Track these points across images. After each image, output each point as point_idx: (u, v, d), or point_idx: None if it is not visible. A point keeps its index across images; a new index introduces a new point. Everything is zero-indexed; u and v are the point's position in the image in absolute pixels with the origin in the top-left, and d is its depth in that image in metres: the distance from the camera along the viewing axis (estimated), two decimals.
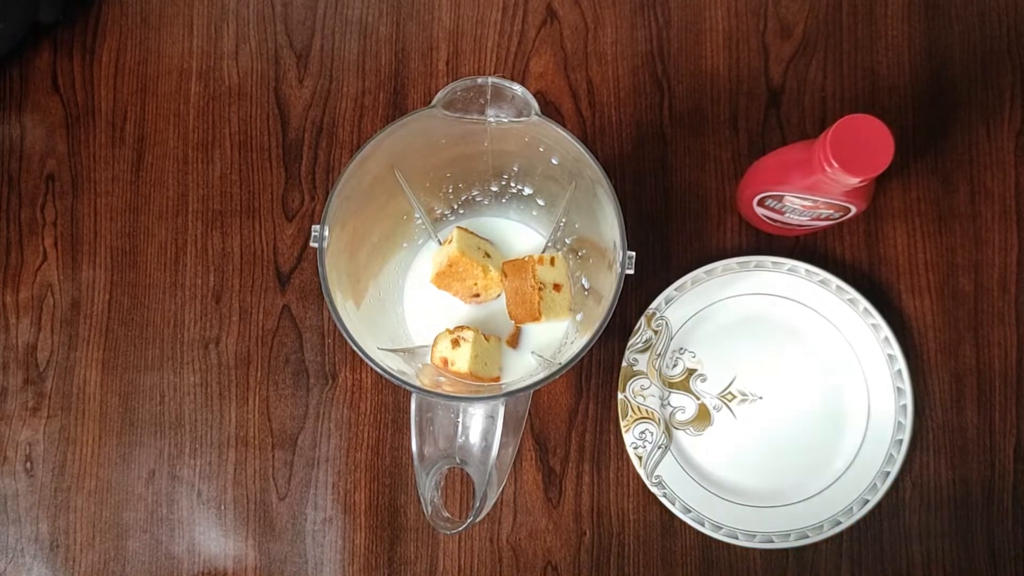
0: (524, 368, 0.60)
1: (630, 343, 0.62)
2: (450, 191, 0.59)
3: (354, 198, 0.50)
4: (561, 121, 0.66)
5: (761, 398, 0.63)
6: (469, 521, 0.48)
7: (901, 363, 0.60)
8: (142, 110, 0.68)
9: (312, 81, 0.68)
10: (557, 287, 0.57)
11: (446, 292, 0.60)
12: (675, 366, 0.63)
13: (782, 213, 0.58)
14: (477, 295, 0.60)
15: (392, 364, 0.48)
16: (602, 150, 0.66)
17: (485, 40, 0.67)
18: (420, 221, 0.60)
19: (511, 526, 0.63)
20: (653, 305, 0.62)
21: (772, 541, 0.59)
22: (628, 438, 0.61)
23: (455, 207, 0.61)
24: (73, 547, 0.64)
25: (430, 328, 0.59)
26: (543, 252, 0.61)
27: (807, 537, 0.60)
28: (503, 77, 0.49)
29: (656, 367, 0.63)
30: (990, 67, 0.65)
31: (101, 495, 0.65)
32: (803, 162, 0.52)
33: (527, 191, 0.59)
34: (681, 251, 0.64)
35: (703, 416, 0.63)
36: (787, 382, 0.63)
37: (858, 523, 0.60)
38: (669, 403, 0.63)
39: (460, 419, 0.50)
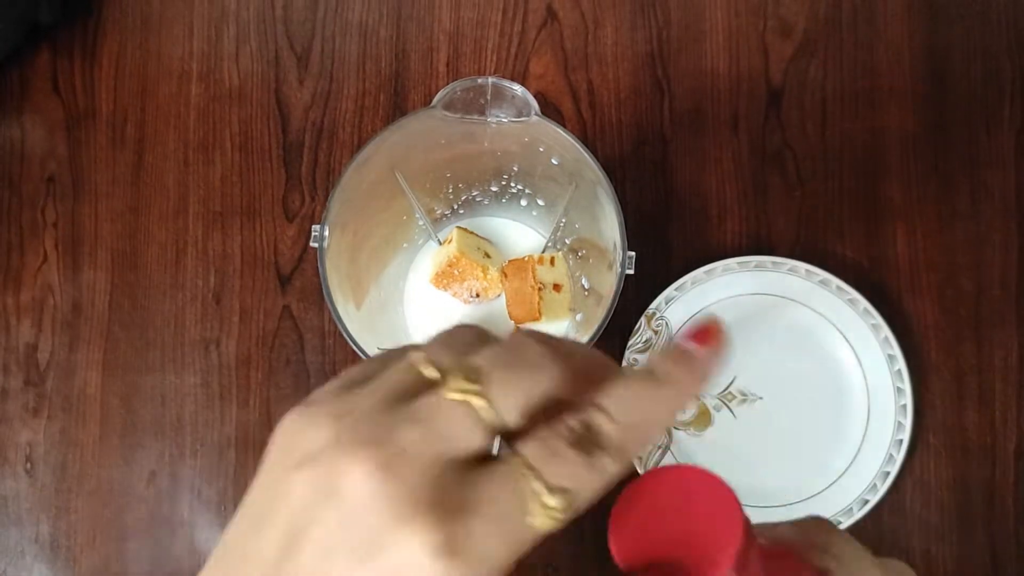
0: None
1: (630, 343, 0.62)
2: (450, 191, 0.59)
3: (355, 199, 0.50)
4: (561, 122, 0.66)
5: (761, 398, 0.62)
6: None
7: (901, 363, 0.60)
8: (142, 112, 0.68)
9: (312, 82, 0.68)
10: (557, 287, 0.57)
11: (446, 292, 0.60)
12: None
13: None
14: (477, 295, 0.60)
15: None
16: (602, 150, 0.66)
17: (485, 41, 0.67)
18: (420, 221, 0.60)
19: None
20: (653, 305, 0.62)
21: None
22: None
23: (455, 207, 0.61)
24: (74, 548, 0.64)
25: (430, 328, 0.59)
26: (543, 252, 0.61)
27: None
28: (503, 78, 0.49)
29: None
30: (990, 66, 0.65)
31: (102, 496, 0.65)
32: None
33: (527, 191, 0.59)
34: (681, 251, 0.64)
35: (703, 416, 0.63)
36: (787, 382, 0.63)
37: (858, 523, 0.60)
38: None
39: None
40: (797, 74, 0.66)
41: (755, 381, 0.63)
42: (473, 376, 0.23)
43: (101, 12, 0.69)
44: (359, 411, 0.23)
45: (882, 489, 0.59)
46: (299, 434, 0.24)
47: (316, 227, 0.48)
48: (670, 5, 0.67)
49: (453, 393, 0.23)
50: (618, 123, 0.66)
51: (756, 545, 0.26)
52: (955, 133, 0.65)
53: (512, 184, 0.58)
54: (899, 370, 0.60)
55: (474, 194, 0.60)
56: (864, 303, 0.61)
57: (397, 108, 0.67)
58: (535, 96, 0.48)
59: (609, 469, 0.23)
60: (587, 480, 0.23)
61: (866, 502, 0.59)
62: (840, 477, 0.61)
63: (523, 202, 0.60)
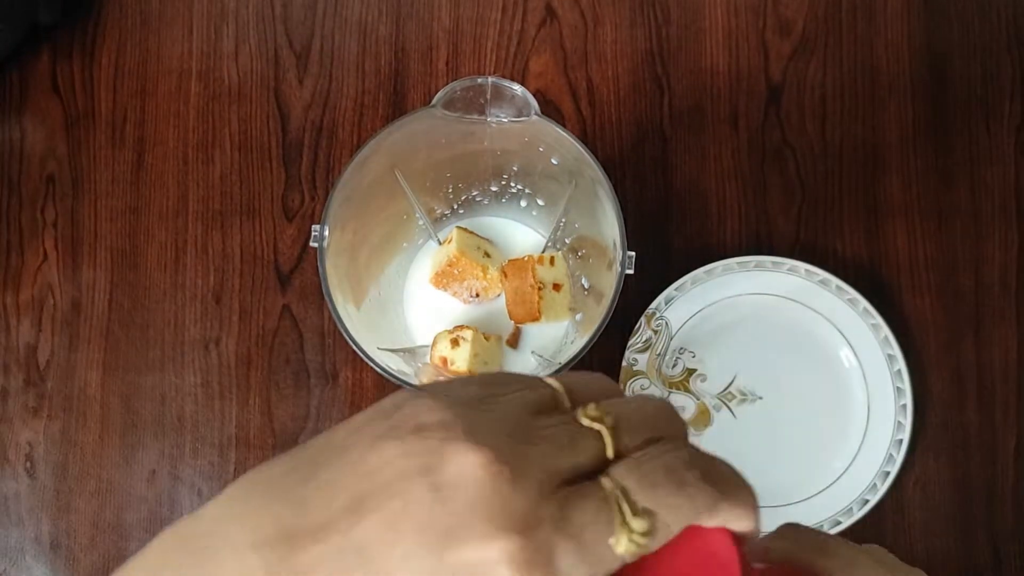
0: (524, 368, 0.60)
1: (630, 343, 0.62)
2: (450, 191, 0.59)
3: (354, 198, 0.50)
4: (561, 120, 0.66)
5: (761, 398, 0.62)
6: None
7: (901, 363, 0.60)
8: (142, 111, 0.68)
9: (312, 81, 0.67)
10: (557, 287, 0.57)
11: (446, 292, 0.60)
12: (675, 366, 0.63)
13: None
14: (477, 295, 0.60)
15: (392, 364, 0.48)
16: (602, 149, 0.66)
17: (485, 40, 0.67)
18: (420, 221, 0.60)
19: None
20: (653, 305, 0.62)
21: None
22: None
23: (455, 207, 0.61)
24: (74, 548, 0.64)
25: (430, 328, 0.59)
26: (543, 252, 0.61)
27: None
28: (503, 77, 0.49)
29: (656, 367, 0.62)
30: (990, 63, 0.65)
31: (102, 496, 0.65)
32: None
33: (527, 191, 0.59)
34: (681, 251, 0.64)
35: (703, 416, 0.63)
36: (787, 382, 0.62)
37: (859, 523, 0.60)
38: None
39: None
40: (797, 72, 0.66)
41: (755, 381, 0.63)
42: (608, 413, 0.24)
43: (100, 12, 0.69)
44: (484, 405, 0.23)
45: (882, 489, 0.59)
46: (409, 405, 0.23)
47: (316, 227, 0.48)
48: (669, 3, 0.67)
49: (586, 420, 0.24)
50: (618, 121, 0.66)
51: (754, 573, 0.26)
52: (955, 131, 0.65)
53: (512, 183, 0.58)
54: (899, 370, 0.60)
55: (474, 194, 0.60)
56: (864, 303, 0.61)
57: (397, 107, 0.67)
58: (534, 94, 0.48)
59: (696, 498, 0.23)
60: (673, 504, 0.23)
61: (866, 502, 0.59)
62: (840, 477, 0.61)
63: (523, 202, 0.60)
